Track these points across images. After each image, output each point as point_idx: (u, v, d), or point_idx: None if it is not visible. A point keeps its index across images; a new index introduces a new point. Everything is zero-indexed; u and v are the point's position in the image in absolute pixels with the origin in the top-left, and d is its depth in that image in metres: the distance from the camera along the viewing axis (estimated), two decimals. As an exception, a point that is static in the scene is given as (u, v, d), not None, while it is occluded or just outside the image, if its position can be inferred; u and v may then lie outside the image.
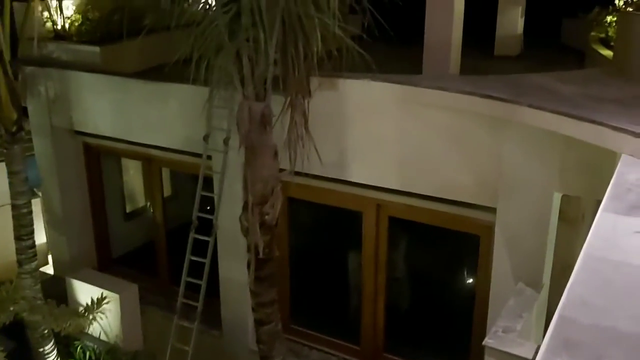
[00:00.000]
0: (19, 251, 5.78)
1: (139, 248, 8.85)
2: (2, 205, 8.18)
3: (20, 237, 5.74)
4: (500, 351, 4.27)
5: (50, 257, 9.16)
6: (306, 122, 4.22)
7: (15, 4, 6.01)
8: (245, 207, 4.19)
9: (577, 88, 4.82)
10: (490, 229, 5.39)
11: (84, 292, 7.05)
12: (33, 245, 5.85)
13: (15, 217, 5.70)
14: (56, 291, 7.45)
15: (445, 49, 6.41)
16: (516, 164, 4.97)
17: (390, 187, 5.76)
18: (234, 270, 6.47)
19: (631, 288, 2.11)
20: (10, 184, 5.61)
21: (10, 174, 5.57)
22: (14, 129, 5.36)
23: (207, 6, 3.85)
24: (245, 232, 4.21)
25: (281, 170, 4.38)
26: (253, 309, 4.54)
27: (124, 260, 8.77)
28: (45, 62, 7.69)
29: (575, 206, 6.21)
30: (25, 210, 5.68)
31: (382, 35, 4.54)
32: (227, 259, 6.61)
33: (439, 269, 6.67)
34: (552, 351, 1.73)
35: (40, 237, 9.00)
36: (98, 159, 8.34)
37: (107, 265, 8.65)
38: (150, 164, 7.83)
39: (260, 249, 4.11)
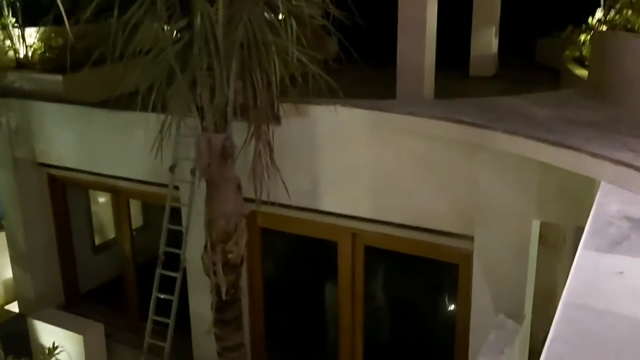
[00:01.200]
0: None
1: (110, 282, 8.49)
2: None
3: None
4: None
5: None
6: (271, 151, 4.00)
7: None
8: (206, 246, 3.93)
9: (552, 111, 4.65)
10: (469, 257, 5.18)
11: (47, 333, 6.69)
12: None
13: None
14: (20, 331, 7.09)
15: (418, 73, 6.27)
16: (492, 190, 4.79)
17: (365, 216, 5.54)
18: (206, 306, 6.15)
19: (615, 342, 1.89)
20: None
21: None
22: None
23: (160, 33, 3.62)
24: (207, 271, 3.95)
25: (249, 200, 4.14)
26: (218, 354, 4.25)
27: (94, 295, 8.41)
28: (7, 92, 7.42)
29: (555, 230, 6.04)
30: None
31: (358, 58, 4.36)
32: (198, 294, 6.30)
33: (418, 299, 6.44)
34: None
35: (7, 272, 8.65)
36: (63, 190, 8.02)
37: (75, 301, 8.29)
38: (118, 195, 7.54)
39: (223, 291, 3.85)
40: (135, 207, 8.40)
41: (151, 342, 6.16)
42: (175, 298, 5.99)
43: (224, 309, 4.02)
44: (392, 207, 5.35)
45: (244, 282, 6.52)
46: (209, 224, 3.90)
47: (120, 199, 7.54)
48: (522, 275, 4.86)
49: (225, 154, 3.75)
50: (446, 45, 7.30)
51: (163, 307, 6.20)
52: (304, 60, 3.73)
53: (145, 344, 6.15)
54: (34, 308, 7.66)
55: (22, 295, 8.22)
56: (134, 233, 8.13)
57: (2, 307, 8.90)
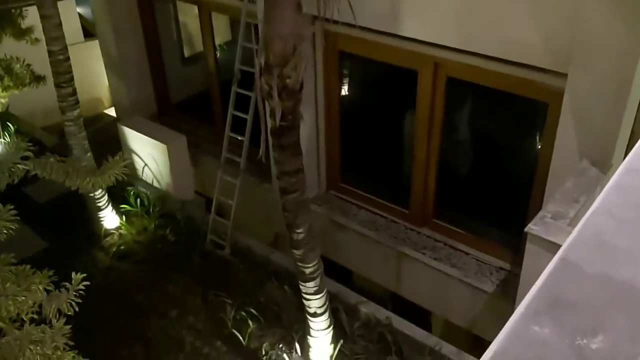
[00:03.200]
0: (59, 99, 5.70)
1: (200, 94, 8.67)
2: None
3: (59, 84, 5.62)
4: (545, 240, 3.82)
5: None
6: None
7: None
8: (261, 69, 3.74)
9: None
10: (560, 97, 4.65)
11: (136, 140, 7.07)
12: (74, 93, 5.73)
13: (52, 64, 5.53)
14: (115, 135, 7.56)
15: None
16: (594, 20, 4.10)
17: (448, 45, 5.04)
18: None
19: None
20: (44, 29, 5.36)
21: (42, 18, 5.31)
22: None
23: None
24: (267, 96, 3.80)
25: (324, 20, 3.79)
26: (277, 177, 4.27)
27: (184, 105, 8.67)
28: None
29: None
30: (61, 57, 5.48)
31: None
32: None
33: (500, 137, 6.05)
34: (530, 315, 1.27)
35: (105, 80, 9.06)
36: (151, 0, 7.93)
37: (166, 110, 8.62)
38: (201, 7, 7.35)
39: (278, 116, 3.72)
40: (224, 21, 8.22)
41: (228, 156, 6.34)
42: (249, 117, 6.00)
43: (282, 134, 3.93)
44: (479, 35, 4.79)
45: (321, 105, 6.44)
46: (265, 46, 3.66)
47: (202, 11, 7.36)
48: (615, 121, 4.33)
49: (283, -33, 3.37)
50: None
51: (241, 124, 6.27)
52: None
53: (223, 159, 6.35)
54: (128, 115, 8.07)
55: (118, 102, 8.64)
56: (224, 47, 8.06)
57: (103, 112, 9.50)
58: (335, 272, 6.02)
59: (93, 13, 8.07)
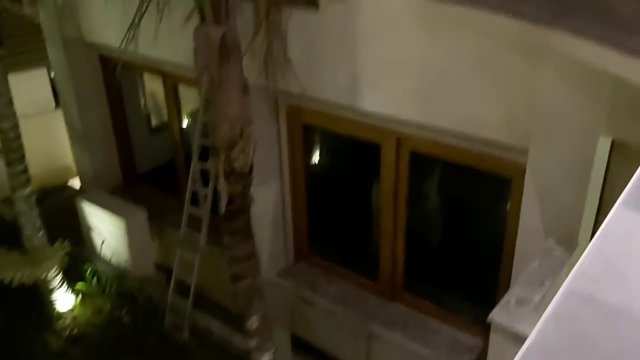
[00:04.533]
0: (10, 176, 5.48)
1: (166, 164, 8.49)
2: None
3: (10, 162, 5.41)
4: (510, 330, 3.59)
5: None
6: (284, 45, 3.44)
7: None
8: (211, 152, 3.57)
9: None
10: (524, 173, 4.53)
11: (94, 214, 6.82)
12: (25, 170, 5.52)
13: (2, 142, 5.34)
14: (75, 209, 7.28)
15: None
16: (555, 98, 4.02)
17: (410, 119, 4.95)
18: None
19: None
20: (-8, 106, 5.20)
21: (-8, 95, 5.15)
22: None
23: None
24: (214, 179, 3.62)
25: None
26: (227, 263, 4.04)
27: (150, 175, 8.48)
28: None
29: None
30: (12, 135, 5.29)
31: None
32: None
33: (468, 210, 5.91)
34: None
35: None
36: (115, 70, 7.82)
37: (131, 181, 8.41)
38: (165, 78, 7.27)
39: (224, 201, 3.53)
40: (192, 90, 8.14)
41: (188, 231, 6.11)
42: (209, 190, 5.80)
43: (231, 218, 3.73)
44: (439, 110, 4.70)
45: (286, 177, 6.28)
46: (211, 129, 3.51)
47: (167, 82, 7.28)
48: (580, 197, 4.20)
49: (226, 50, 3.25)
50: None
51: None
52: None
53: (181, 234, 6.11)
54: (92, 186, 7.84)
55: (82, 173, 8.41)
56: (190, 117, 7.95)
57: (66, 183, 9.24)
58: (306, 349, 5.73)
59: (56, 82, 7.94)
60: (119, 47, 6.84)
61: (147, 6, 3.53)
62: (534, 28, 3.49)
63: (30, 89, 8.42)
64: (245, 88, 3.47)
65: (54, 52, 7.56)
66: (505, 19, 3.66)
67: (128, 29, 4.08)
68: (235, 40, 3.30)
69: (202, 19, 3.24)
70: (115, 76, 7.74)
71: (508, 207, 5.03)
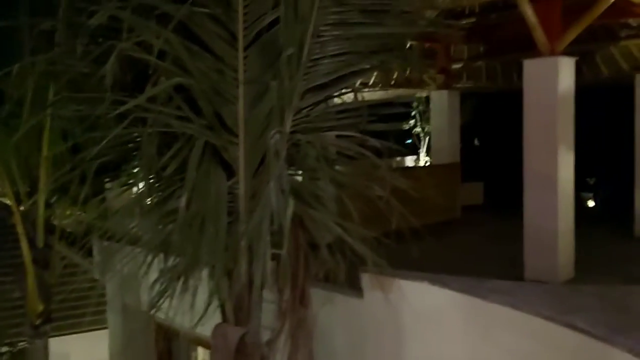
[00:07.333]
0: None
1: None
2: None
3: None
4: None
5: None
6: (309, 345, 3.17)
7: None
8: None
9: None
10: None
11: None
12: None
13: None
14: None
15: (550, 241, 5.06)
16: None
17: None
18: None
19: None
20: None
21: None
22: (38, 322, 4.89)
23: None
24: None
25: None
26: None
27: None
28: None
29: None
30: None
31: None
32: None
33: None
34: None
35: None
36: (168, 338, 7.75)
37: None
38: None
39: None
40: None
41: None
42: None
43: None
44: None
45: None
46: None
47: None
48: None
49: (245, 353, 3.02)
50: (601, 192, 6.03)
51: None
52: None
53: None
54: None
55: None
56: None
57: None
58: None
59: (109, 347, 7.90)
60: (167, 317, 6.95)
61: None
62: (583, 339, 3.09)
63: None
64: None
65: (112, 317, 7.68)
66: (553, 327, 3.30)
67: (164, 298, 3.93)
68: (255, 342, 3.08)
69: (223, 317, 3.10)
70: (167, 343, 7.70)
71: None
